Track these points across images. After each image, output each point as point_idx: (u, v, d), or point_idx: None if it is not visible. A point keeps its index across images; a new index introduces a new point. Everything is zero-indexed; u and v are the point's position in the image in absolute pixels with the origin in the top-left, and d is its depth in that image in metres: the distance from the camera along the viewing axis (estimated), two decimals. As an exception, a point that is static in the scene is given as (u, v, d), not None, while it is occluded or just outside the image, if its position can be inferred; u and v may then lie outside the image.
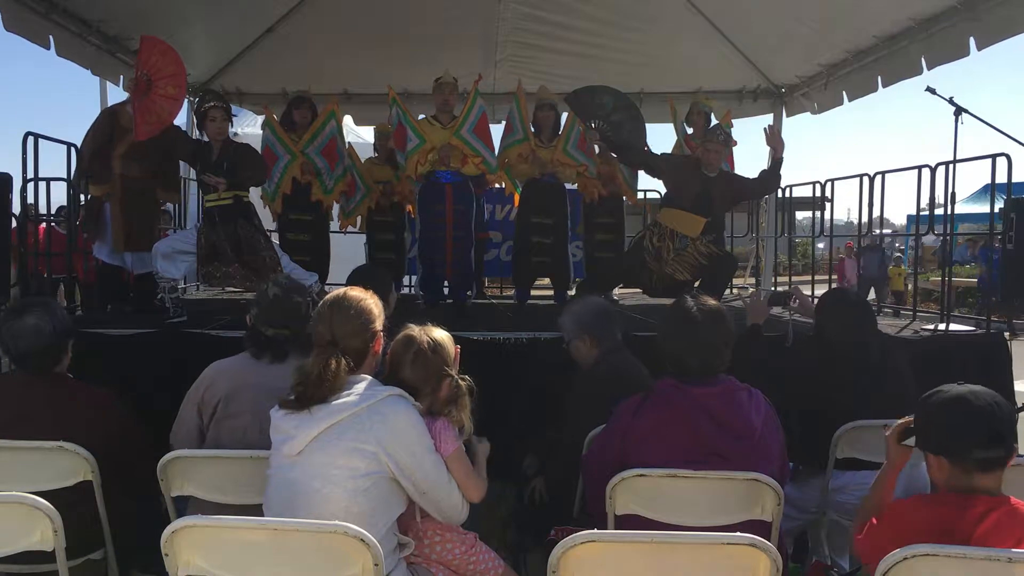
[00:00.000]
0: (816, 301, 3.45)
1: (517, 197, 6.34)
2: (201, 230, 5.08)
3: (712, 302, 2.41)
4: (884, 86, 6.43)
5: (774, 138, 5.14)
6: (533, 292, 6.58)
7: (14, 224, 4.77)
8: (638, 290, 6.02)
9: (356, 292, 2.25)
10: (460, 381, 2.30)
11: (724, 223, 6.66)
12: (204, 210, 5.18)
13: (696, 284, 5.17)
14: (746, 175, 5.56)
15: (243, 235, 5.02)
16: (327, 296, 2.26)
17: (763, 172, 5.21)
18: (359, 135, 9.42)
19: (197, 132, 5.58)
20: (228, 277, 5.14)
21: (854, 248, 11.64)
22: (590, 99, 5.94)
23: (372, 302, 2.26)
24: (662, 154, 5.60)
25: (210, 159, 5.03)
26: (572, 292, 6.27)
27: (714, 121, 6.31)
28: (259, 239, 5.12)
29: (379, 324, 2.27)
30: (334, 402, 2.04)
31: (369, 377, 2.15)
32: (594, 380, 3.00)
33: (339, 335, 2.16)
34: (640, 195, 7.72)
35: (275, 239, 5.81)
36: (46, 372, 2.64)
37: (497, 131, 5.89)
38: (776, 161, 5.13)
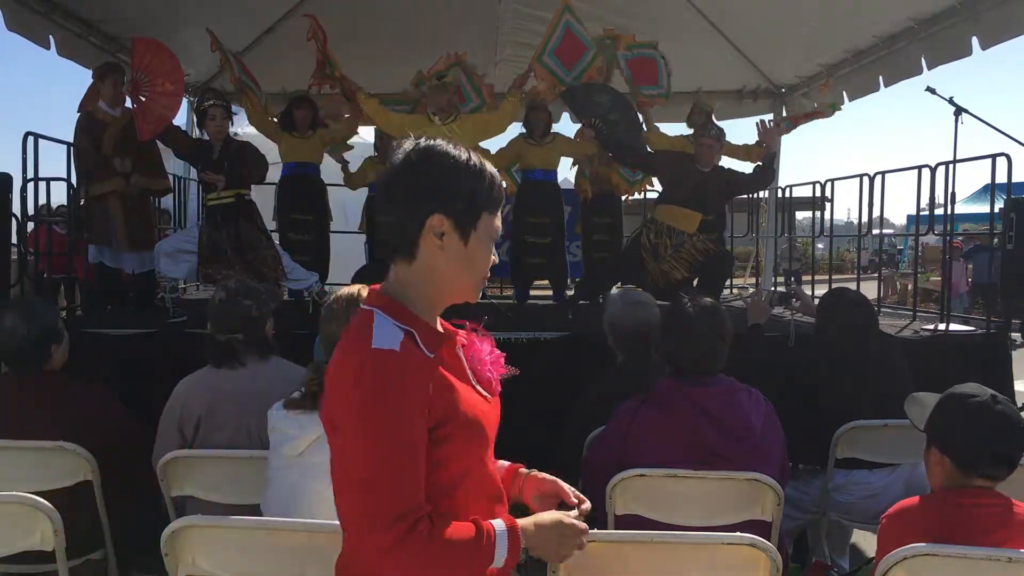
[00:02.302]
0: (818, 301, 3.45)
1: None
2: (203, 229, 5.08)
3: (708, 301, 2.42)
4: (886, 86, 6.43)
5: (767, 133, 5.15)
6: (533, 292, 6.58)
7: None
8: (638, 288, 6.03)
9: None
10: None
11: (725, 222, 6.67)
12: (206, 209, 5.17)
13: (694, 283, 5.19)
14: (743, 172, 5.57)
15: (245, 234, 5.03)
16: (342, 296, 2.24)
17: (757, 167, 5.22)
18: (360, 135, 9.42)
19: (197, 131, 5.58)
20: (229, 278, 5.13)
21: (963, 249, 10.99)
22: (587, 97, 5.95)
23: None
24: (657, 152, 5.60)
25: (211, 157, 5.04)
26: (571, 292, 6.28)
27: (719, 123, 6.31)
28: (261, 238, 5.12)
29: None
30: None
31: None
32: (607, 385, 2.92)
33: None
34: (639, 195, 7.73)
35: (276, 239, 5.81)
36: (36, 371, 2.63)
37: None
38: (769, 156, 5.15)
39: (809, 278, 8.00)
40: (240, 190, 5.07)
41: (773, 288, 8.04)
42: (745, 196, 7.59)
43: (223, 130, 5.07)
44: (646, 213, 6.83)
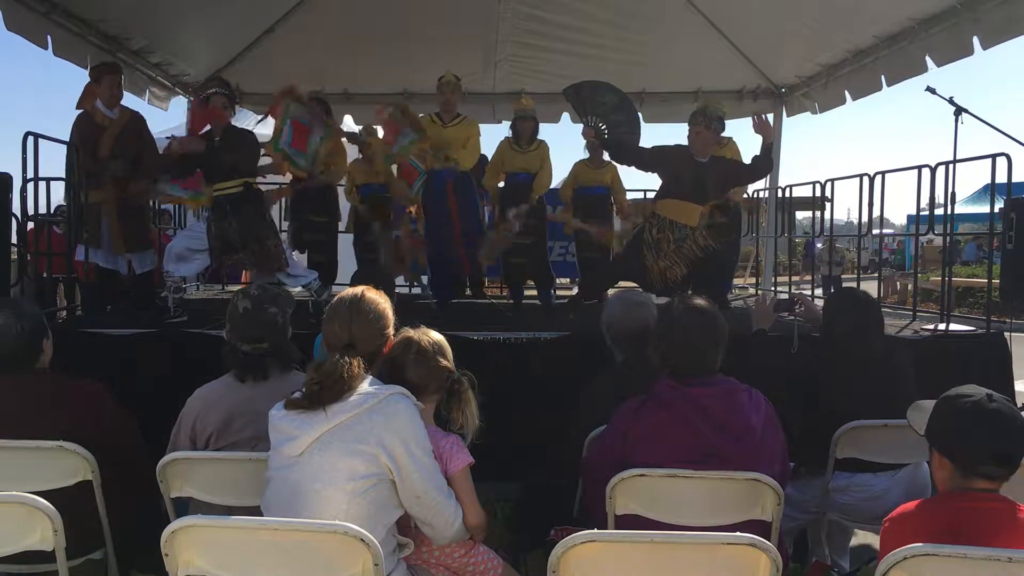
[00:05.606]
0: (824, 301, 3.44)
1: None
2: (210, 221, 5.04)
3: (701, 302, 2.41)
4: (888, 85, 6.41)
5: (762, 126, 5.19)
6: (534, 292, 6.61)
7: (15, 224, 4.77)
8: (636, 286, 6.04)
9: (373, 294, 2.25)
10: (462, 376, 2.33)
11: (740, 224, 6.69)
12: (212, 201, 5.04)
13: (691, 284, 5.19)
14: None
15: (251, 223, 5.03)
16: (344, 297, 2.24)
17: (755, 157, 5.25)
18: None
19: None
20: (243, 261, 5.17)
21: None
22: (591, 94, 5.95)
23: (387, 305, 2.27)
24: (653, 148, 5.60)
25: (211, 145, 5.00)
26: (571, 292, 6.31)
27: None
28: (265, 228, 5.14)
29: (392, 328, 2.29)
30: (339, 403, 2.04)
31: (370, 376, 2.14)
32: (607, 385, 2.91)
33: (357, 337, 2.16)
34: (640, 195, 7.75)
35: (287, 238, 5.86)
36: (26, 371, 2.60)
37: (494, 130, 5.98)
38: (766, 147, 5.18)
39: (853, 277, 7.96)
40: (247, 179, 5.06)
41: (773, 289, 8.04)
42: (745, 196, 7.59)
43: (225, 119, 5.05)
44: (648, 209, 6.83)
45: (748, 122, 5.23)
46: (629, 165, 6.21)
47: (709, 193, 5.11)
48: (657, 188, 5.44)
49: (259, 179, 5.30)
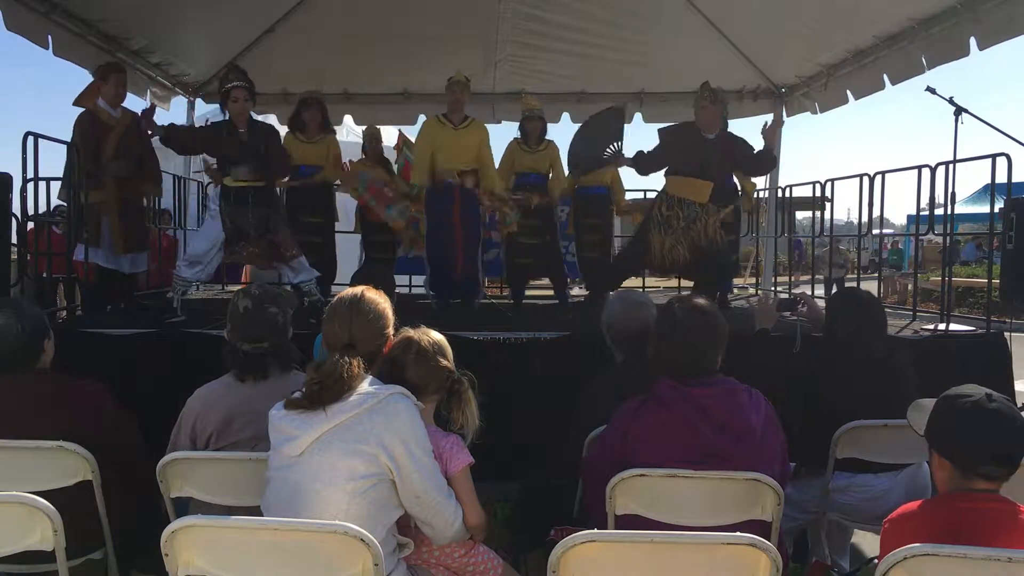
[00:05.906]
0: (826, 301, 3.44)
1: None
2: (224, 212, 5.01)
3: (701, 302, 2.41)
4: (892, 84, 6.41)
5: (770, 131, 5.24)
6: (535, 292, 6.62)
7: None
8: (637, 286, 6.06)
9: (372, 294, 2.25)
10: (462, 376, 2.33)
11: (740, 223, 6.72)
12: (231, 191, 5.02)
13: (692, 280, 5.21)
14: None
15: (272, 216, 5.08)
16: (344, 297, 2.25)
17: (760, 150, 5.29)
18: (358, 135, 9.45)
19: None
20: (254, 256, 5.21)
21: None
22: (586, 148, 5.93)
23: (386, 305, 2.27)
24: (660, 134, 5.57)
25: (238, 140, 4.99)
26: (574, 291, 6.32)
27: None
28: (279, 219, 5.18)
29: (392, 328, 2.29)
30: (338, 403, 2.04)
31: (370, 376, 2.14)
32: (607, 385, 2.91)
33: (357, 337, 2.17)
34: (641, 195, 7.76)
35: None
36: (27, 371, 2.59)
37: (495, 131, 5.98)
38: (768, 148, 5.22)
39: (853, 277, 7.97)
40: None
41: (773, 289, 8.05)
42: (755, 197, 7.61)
43: (245, 111, 5.03)
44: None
45: (748, 122, 5.32)
46: (657, 171, 6.14)
47: (712, 168, 5.13)
48: (657, 188, 5.47)
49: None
